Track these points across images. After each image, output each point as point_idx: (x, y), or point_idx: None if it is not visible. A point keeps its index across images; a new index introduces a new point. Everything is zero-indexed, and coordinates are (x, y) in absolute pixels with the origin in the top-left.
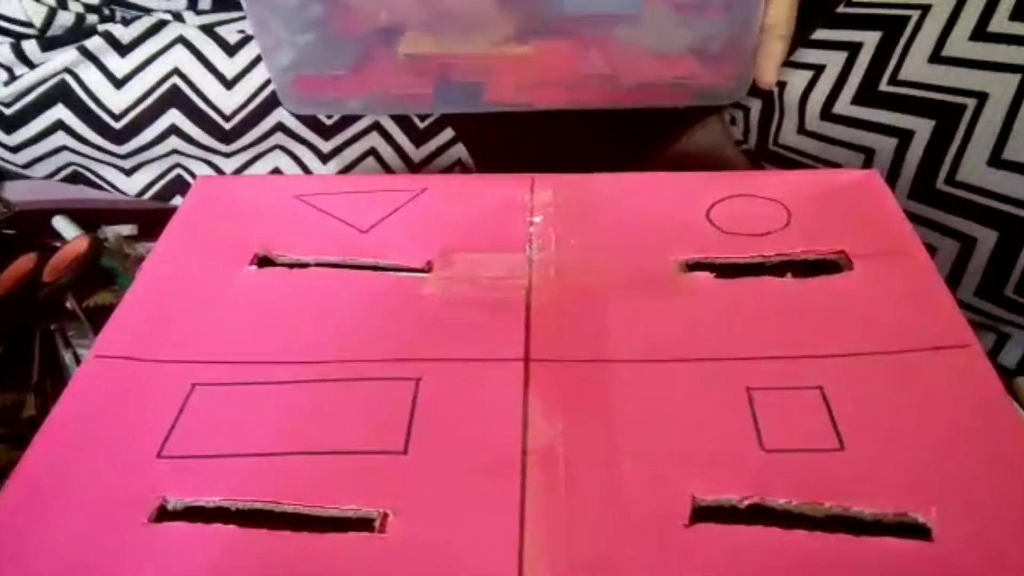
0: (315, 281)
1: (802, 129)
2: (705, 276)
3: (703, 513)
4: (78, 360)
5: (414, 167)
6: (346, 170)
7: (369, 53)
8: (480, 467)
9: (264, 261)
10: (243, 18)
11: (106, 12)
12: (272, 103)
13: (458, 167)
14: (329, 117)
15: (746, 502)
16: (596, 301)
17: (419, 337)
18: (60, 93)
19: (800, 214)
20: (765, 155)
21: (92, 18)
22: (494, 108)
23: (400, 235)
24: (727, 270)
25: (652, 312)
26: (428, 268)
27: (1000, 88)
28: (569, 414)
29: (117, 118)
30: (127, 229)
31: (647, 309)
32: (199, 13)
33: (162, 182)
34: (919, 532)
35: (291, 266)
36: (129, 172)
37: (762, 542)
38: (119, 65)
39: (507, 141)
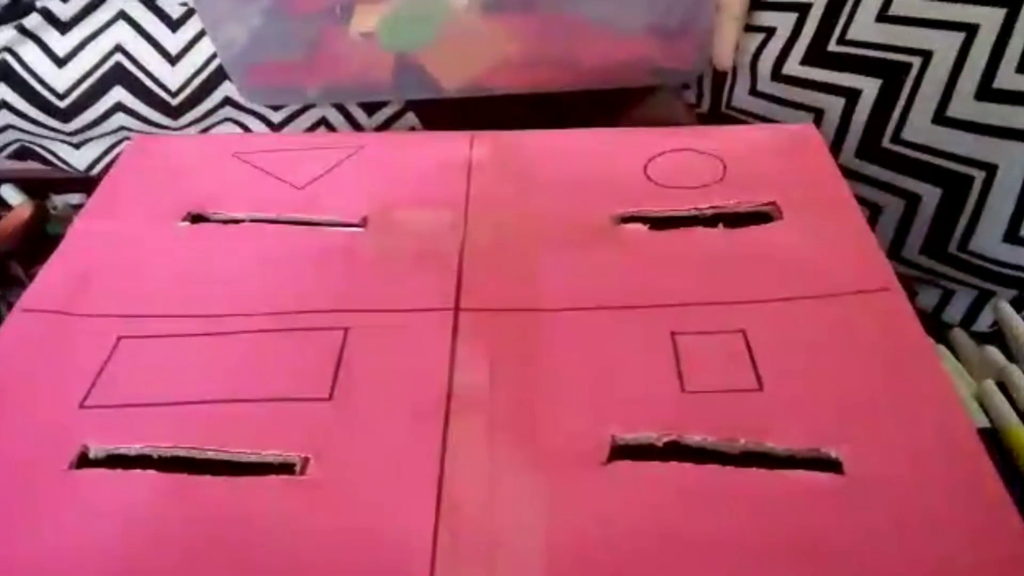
0: (248, 237)
1: (754, 91)
2: (638, 228)
3: (621, 452)
4: None
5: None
6: None
7: (323, 38)
8: (404, 413)
9: (198, 218)
10: None
11: None
12: (219, 77)
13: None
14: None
15: (663, 440)
16: (529, 254)
17: (350, 289)
18: (1, 73)
19: (735, 168)
20: (718, 118)
21: None
22: (453, 94)
23: (336, 192)
24: (661, 222)
25: (583, 263)
26: (363, 224)
27: (945, 46)
28: (495, 361)
29: (61, 97)
30: (76, 198)
31: (579, 260)
32: None
33: (111, 155)
34: (831, 466)
35: (224, 222)
36: (77, 146)
37: (677, 477)
38: (60, 43)
39: (457, 110)
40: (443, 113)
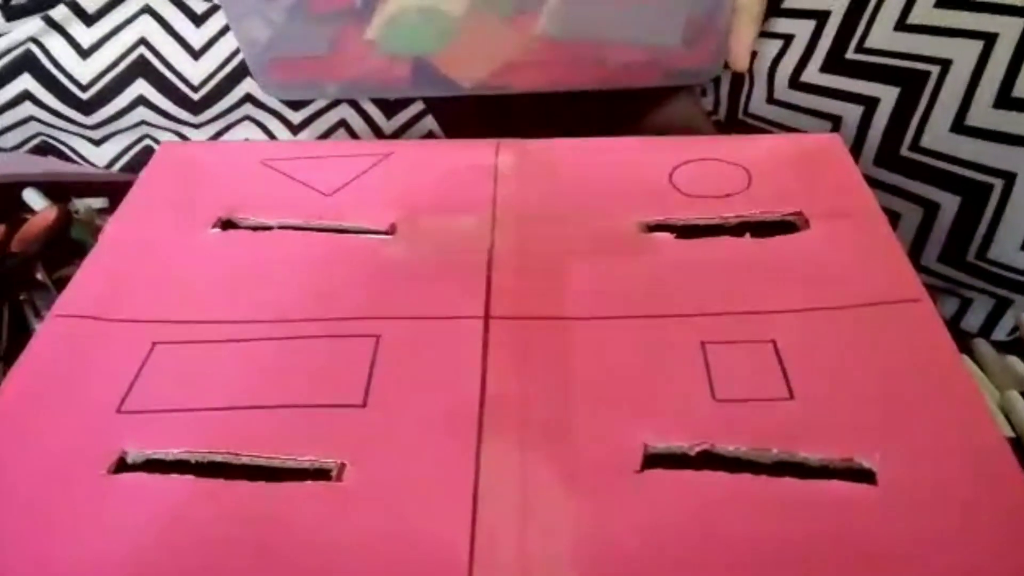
0: (278, 243)
1: (771, 98)
2: (665, 236)
3: (654, 460)
4: None
5: (385, 139)
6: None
7: (343, 36)
8: (437, 419)
9: (228, 224)
10: None
11: None
12: (240, 74)
13: (429, 139)
14: None
15: (696, 449)
16: (557, 261)
17: (380, 296)
18: (26, 63)
19: (761, 177)
20: (735, 125)
21: None
22: (470, 91)
23: (364, 199)
24: (687, 231)
25: (612, 272)
26: (391, 231)
27: (964, 55)
28: (526, 369)
29: (84, 88)
30: (98, 202)
31: (607, 269)
32: None
33: (131, 153)
34: (864, 476)
35: (254, 229)
36: (98, 143)
37: (711, 486)
38: (85, 35)
39: (478, 115)
40: (462, 117)
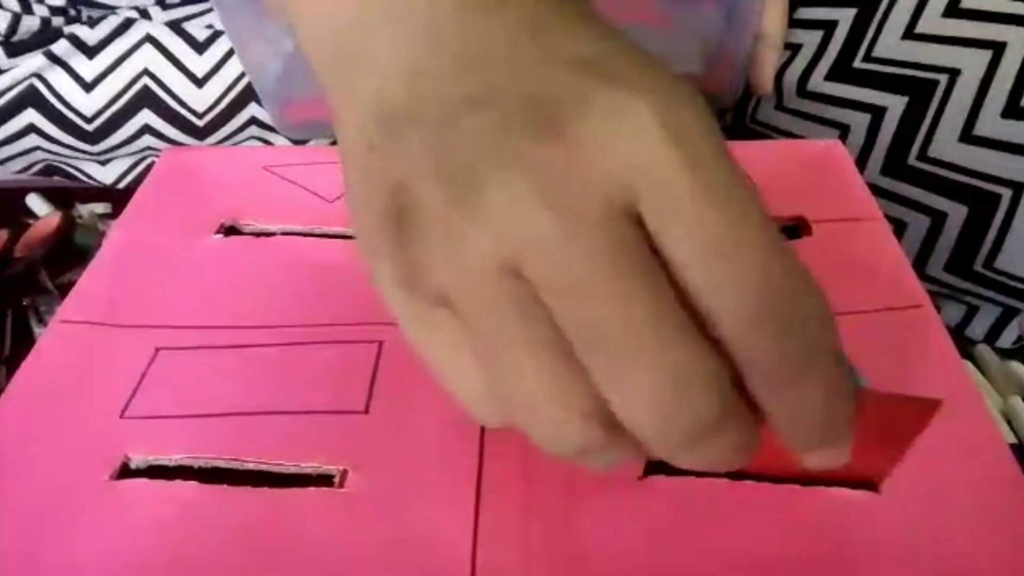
0: (281, 249)
1: (779, 105)
2: None
3: (657, 466)
4: None
5: None
6: None
7: None
8: (440, 425)
9: (231, 230)
10: (210, 10)
11: (72, 13)
12: (245, 98)
13: None
14: None
15: None
16: None
17: (382, 303)
18: (30, 98)
19: (764, 183)
20: (743, 132)
21: (58, 20)
22: None
23: None
24: None
25: None
26: None
27: (972, 64)
28: None
29: (89, 120)
30: (101, 207)
31: None
32: (166, 8)
33: (137, 170)
34: (866, 484)
35: (257, 235)
36: (104, 163)
37: (714, 491)
38: (87, 68)
39: None
40: None
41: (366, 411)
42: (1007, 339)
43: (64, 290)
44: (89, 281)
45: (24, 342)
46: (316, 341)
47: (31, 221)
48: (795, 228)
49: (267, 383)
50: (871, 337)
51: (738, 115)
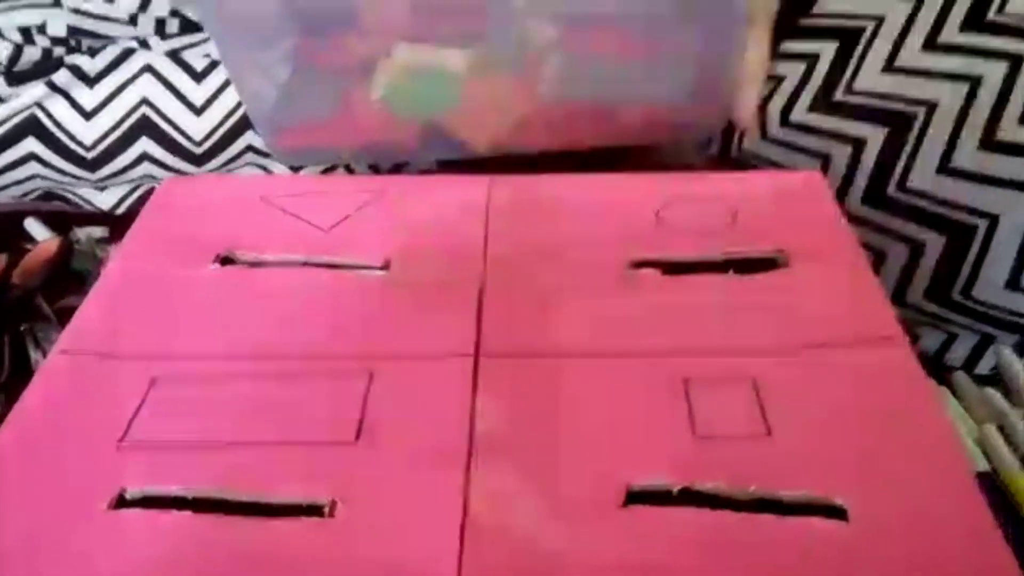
0: (276, 279)
1: (764, 135)
2: (652, 273)
3: (637, 497)
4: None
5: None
6: None
7: (351, 97)
8: (428, 456)
9: (227, 260)
10: (208, 40)
11: (72, 43)
12: (242, 126)
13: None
14: None
15: (678, 487)
16: (547, 298)
17: (374, 333)
18: (31, 127)
19: (744, 214)
20: (729, 161)
21: (59, 50)
22: (483, 154)
23: (360, 234)
24: (674, 268)
25: (600, 308)
26: (386, 266)
27: (949, 97)
28: (515, 406)
29: (88, 149)
30: (99, 231)
31: (596, 306)
32: (166, 38)
33: (134, 196)
34: (838, 514)
35: (253, 264)
36: (102, 189)
37: (692, 522)
38: (88, 97)
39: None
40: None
41: (356, 441)
42: (985, 366)
43: (61, 315)
44: (87, 311)
45: (22, 368)
46: (310, 372)
47: (29, 246)
48: (775, 260)
49: (260, 414)
50: (844, 369)
51: (724, 145)
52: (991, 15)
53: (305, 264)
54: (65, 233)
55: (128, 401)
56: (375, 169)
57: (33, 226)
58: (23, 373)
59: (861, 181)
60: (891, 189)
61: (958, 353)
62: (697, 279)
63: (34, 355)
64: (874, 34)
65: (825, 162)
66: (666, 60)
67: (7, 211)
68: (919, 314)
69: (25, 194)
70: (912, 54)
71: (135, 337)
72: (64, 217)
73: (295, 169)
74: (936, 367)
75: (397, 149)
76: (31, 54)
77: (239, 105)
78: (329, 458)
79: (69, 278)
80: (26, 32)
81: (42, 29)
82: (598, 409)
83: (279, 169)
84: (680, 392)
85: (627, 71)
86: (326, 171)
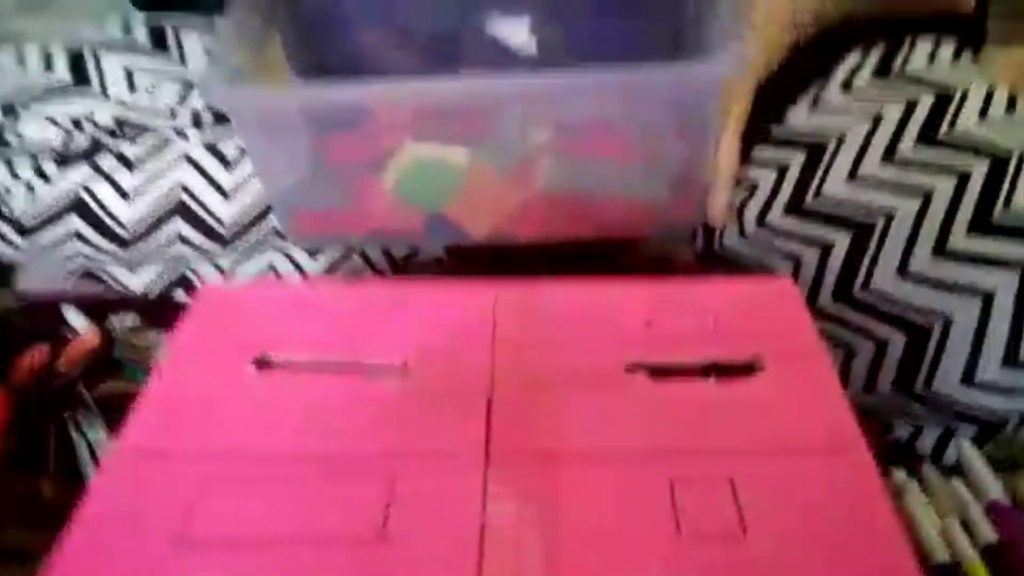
0: (307, 381)
1: (742, 235)
2: (641, 377)
3: None
4: (90, 446)
5: (395, 263)
6: (333, 266)
7: (364, 187)
8: (445, 552)
9: (263, 362)
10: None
11: (117, 131)
12: (267, 211)
13: (435, 263)
14: None
15: None
16: (550, 400)
17: (396, 434)
18: (75, 206)
19: (724, 320)
20: (711, 257)
21: (105, 137)
22: (482, 241)
23: (381, 337)
24: (660, 372)
25: (597, 411)
26: (404, 369)
27: (905, 207)
28: (522, 502)
29: (126, 228)
30: (130, 319)
31: (593, 408)
32: (201, 129)
33: (164, 280)
34: None
35: (286, 366)
36: (135, 270)
37: None
38: (128, 180)
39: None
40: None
41: (381, 539)
42: (951, 456)
43: (99, 402)
44: (140, 414)
45: (67, 454)
46: (337, 471)
47: (69, 335)
48: (751, 365)
49: (296, 511)
50: (811, 473)
51: (707, 241)
52: (941, 134)
53: (332, 365)
54: (99, 319)
55: (177, 502)
56: (387, 254)
57: (70, 314)
58: (67, 458)
59: (830, 281)
60: (856, 289)
61: (927, 442)
62: (682, 384)
63: (77, 440)
64: (837, 148)
65: (797, 262)
66: (646, 163)
67: (47, 300)
68: (889, 405)
69: (63, 270)
70: (872, 166)
71: (183, 438)
72: (99, 303)
73: (312, 252)
74: (908, 456)
75: (405, 236)
76: (80, 140)
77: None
78: (358, 555)
79: (106, 366)
80: (76, 121)
81: (91, 118)
82: (595, 509)
83: (298, 253)
84: (666, 491)
85: (611, 172)
86: (343, 258)
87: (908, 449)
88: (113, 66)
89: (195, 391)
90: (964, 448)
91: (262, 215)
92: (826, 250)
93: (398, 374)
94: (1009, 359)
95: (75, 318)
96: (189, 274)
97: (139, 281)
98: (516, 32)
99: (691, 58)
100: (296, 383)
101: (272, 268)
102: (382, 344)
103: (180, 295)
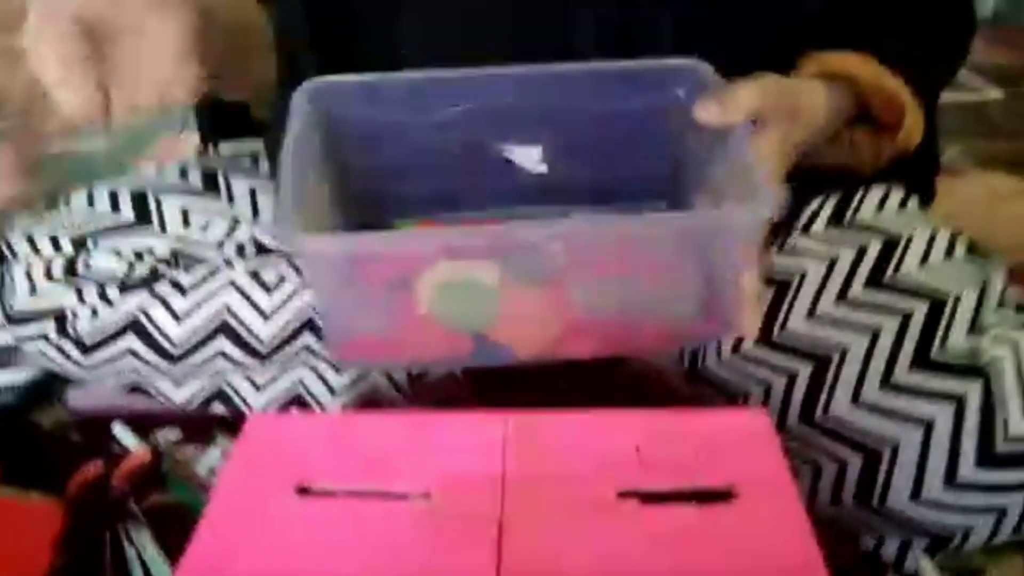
0: (345, 508)
1: (720, 361)
2: (633, 503)
3: None
4: (140, 556)
5: (412, 378)
6: (358, 381)
7: (401, 311)
8: None
9: (304, 490)
10: (280, 262)
11: (173, 263)
12: (300, 330)
13: (449, 377)
14: None
15: None
16: (553, 525)
17: (420, 560)
18: (132, 327)
19: (703, 449)
20: (696, 376)
21: (162, 267)
22: (528, 361)
23: (407, 466)
24: (650, 497)
25: (594, 536)
26: (428, 496)
27: (857, 344)
28: None
29: (176, 345)
30: (173, 434)
31: (591, 533)
32: (245, 259)
33: (205, 393)
34: None
35: (326, 494)
36: (179, 384)
37: None
38: (181, 304)
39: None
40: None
41: None
42: (912, 563)
43: (147, 513)
44: (198, 542)
45: (119, 564)
46: None
47: (118, 451)
48: (728, 492)
49: None
50: None
51: (692, 363)
52: (887, 278)
53: (366, 492)
54: (144, 434)
55: None
56: (410, 376)
57: (119, 430)
58: (121, 570)
59: (796, 406)
60: (818, 415)
61: (890, 551)
62: (668, 509)
63: (128, 551)
64: (798, 287)
65: (768, 388)
66: (678, 283)
67: (98, 416)
68: (853, 517)
69: (118, 385)
70: (828, 305)
71: (238, 565)
72: (144, 419)
73: (337, 368)
74: (874, 564)
75: (450, 358)
76: (140, 269)
77: (299, 313)
78: None
79: (155, 480)
80: (139, 253)
81: (151, 251)
82: None
83: (324, 366)
84: None
85: (647, 292)
86: (360, 377)
87: (873, 558)
88: (171, 206)
89: (243, 519)
90: (920, 559)
91: (295, 333)
92: (791, 379)
93: (422, 500)
94: (950, 480)
95: (124, 435)
96: (226, 387)
97: (182, 394)
98: (529, 157)
99: (696, 190)
100: (332, 511)
101: (301, 383)
102: (409, 472)
103: (217, 407)
